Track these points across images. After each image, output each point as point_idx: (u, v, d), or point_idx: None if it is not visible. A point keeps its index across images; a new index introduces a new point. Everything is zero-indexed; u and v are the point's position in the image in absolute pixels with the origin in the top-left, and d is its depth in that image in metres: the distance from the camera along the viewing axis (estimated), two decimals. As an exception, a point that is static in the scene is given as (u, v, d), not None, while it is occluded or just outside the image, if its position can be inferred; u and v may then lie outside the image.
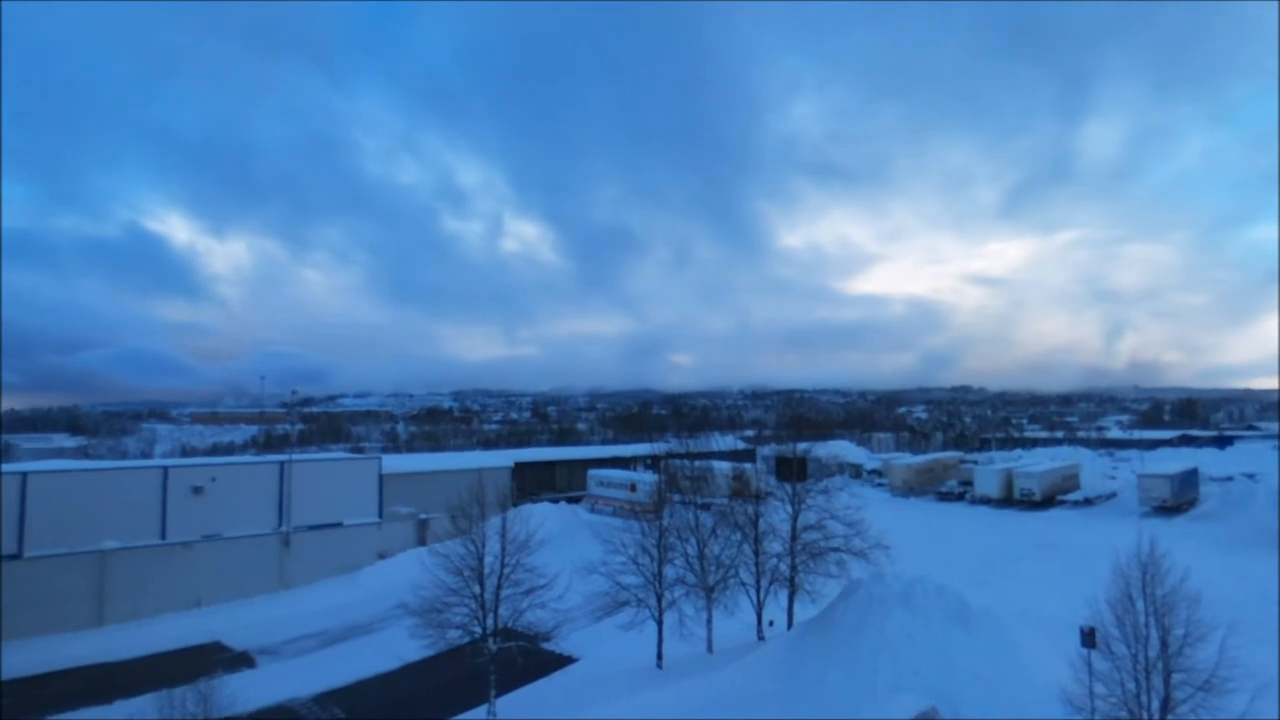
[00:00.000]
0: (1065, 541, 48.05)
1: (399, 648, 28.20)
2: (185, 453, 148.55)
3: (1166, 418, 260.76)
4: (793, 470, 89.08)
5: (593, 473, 69.85)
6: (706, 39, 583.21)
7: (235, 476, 50.36)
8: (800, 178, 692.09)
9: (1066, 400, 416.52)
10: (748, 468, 72.13)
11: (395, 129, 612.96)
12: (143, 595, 41.58)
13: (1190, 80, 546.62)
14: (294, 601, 45.10)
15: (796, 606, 29.58)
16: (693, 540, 28.35)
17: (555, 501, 65.52)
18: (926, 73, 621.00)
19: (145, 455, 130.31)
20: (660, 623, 26.13)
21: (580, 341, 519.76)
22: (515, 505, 64.23)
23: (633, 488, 64.05)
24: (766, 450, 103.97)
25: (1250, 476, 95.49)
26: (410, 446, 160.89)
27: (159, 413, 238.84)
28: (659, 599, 26.18)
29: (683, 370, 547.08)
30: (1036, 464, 69.34)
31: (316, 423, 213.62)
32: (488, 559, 22.84)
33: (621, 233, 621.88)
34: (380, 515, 55.65)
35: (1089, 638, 19.89)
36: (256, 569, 47.28)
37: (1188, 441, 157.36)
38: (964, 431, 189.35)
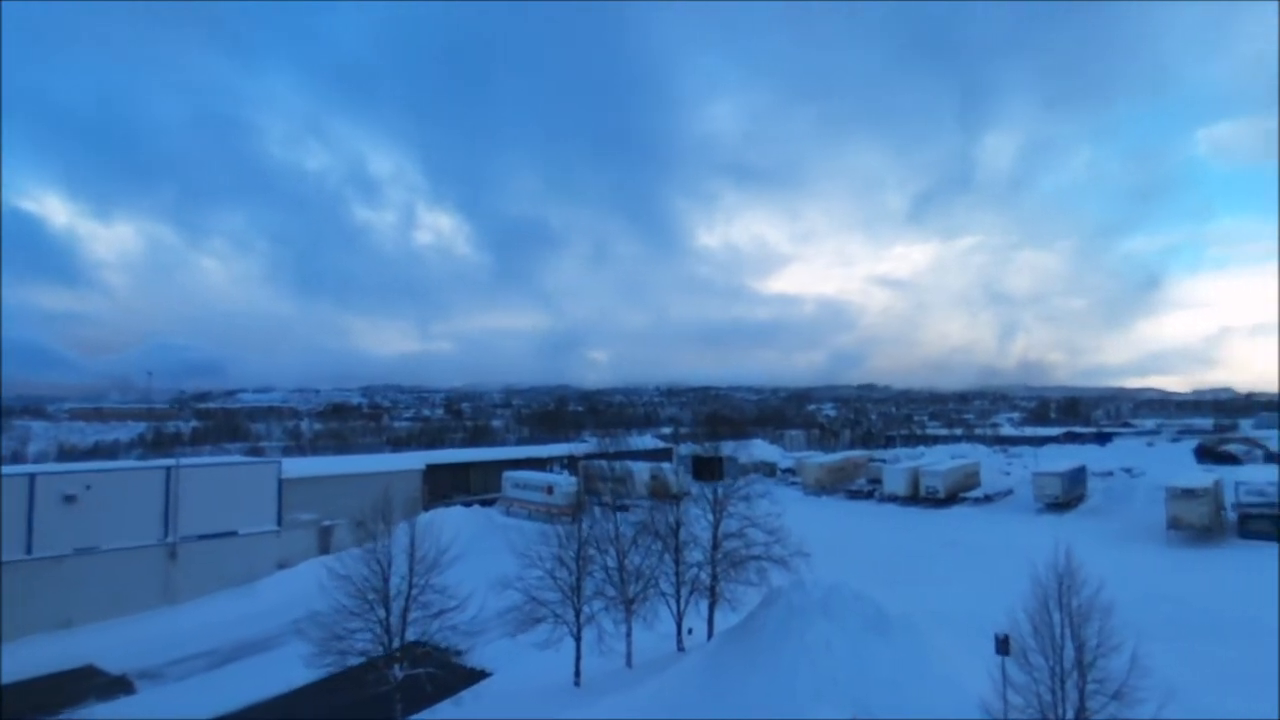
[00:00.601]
0: (969, 539, 49.86)
1: (295, 668, 26.12)
2: (63, 452, 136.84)
3: (1053, 415, 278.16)
4: (710, 470, 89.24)
5: (508, 474, 68.09)
6: (627, 35, 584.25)
7: (114, 483, 46.16)
8: (718, 178, 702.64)
9: (963, 398, 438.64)
10: (665, 468, 72.03)
11: (302, 111, 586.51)
12: (3, 616, 37.45)
13: (1076, 98, 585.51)
14: (181, 618, 41.73)
15: (717, 615, 29.21)
16: (612, 551, 27.49)
17: (469, 505, 63.45)
18: (840, 79, 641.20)
19: (18, 456, 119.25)
20: (579, 639, 25.15)
21: (496, 336, 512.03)
22: (427, 509, 62.05)
23: (549, 490, 62.75)
24: (684, 449, 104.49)
25: (1128, 471, 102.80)
26: (315, 446, 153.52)
27: (34, 409, 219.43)
28: (577, 614, 25.18)
29: (599, 367, 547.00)
30: (941, 463, 72.13)
31: (212, 419, 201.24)
32: (394, 579, 21.27)
33: (539, 227, 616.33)
34: (279, 523, 52.38)
35: (1003, 645, 20.18)
36: (137, 584, 43.50)
37: (1072, 438, 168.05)
38: (870, 429, 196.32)
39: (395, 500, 26.04)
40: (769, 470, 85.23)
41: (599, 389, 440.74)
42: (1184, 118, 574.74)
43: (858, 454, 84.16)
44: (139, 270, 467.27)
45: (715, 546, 29.15)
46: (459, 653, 25.61)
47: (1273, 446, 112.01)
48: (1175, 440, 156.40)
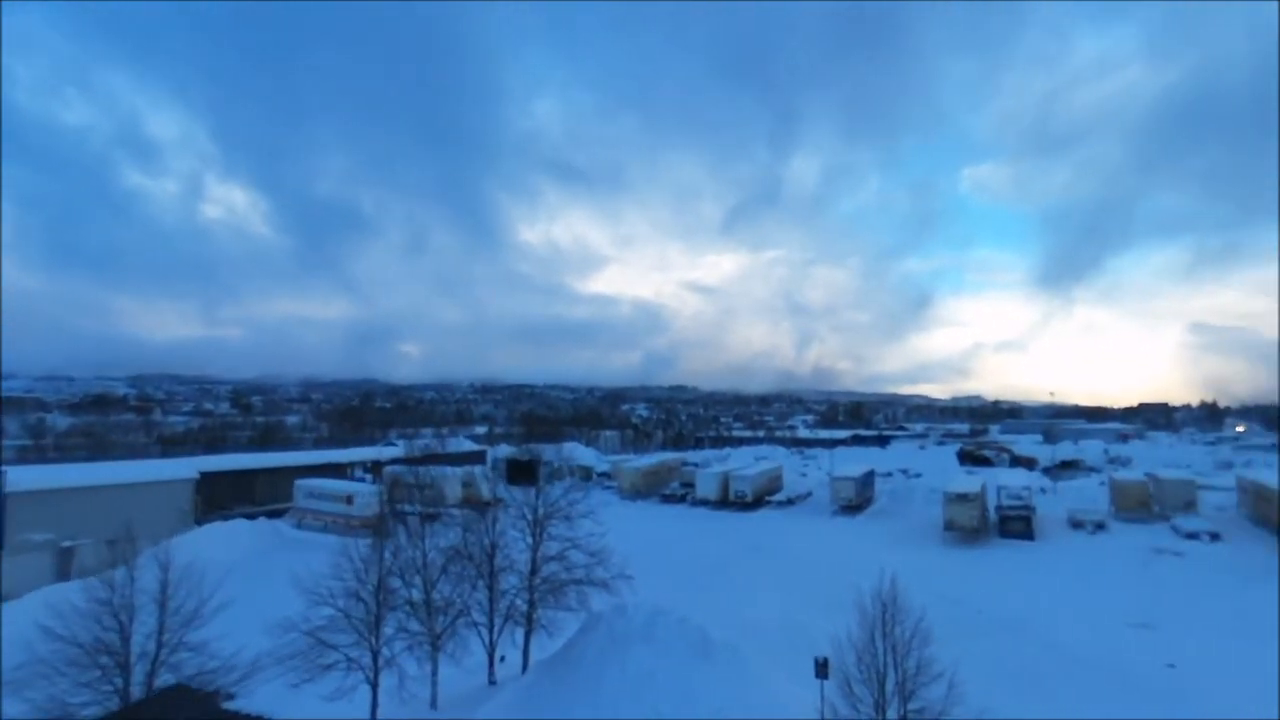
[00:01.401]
0: (777, 543, 51.81)
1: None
2: None
3: (841, 418, 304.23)
4: (526, 474, 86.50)
5: (301, 483, 61.49)
6: (453, 22, 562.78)
7: None
8: (541, 174, 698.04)
9: (764, 401, 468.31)
10: (478, 473, 68.73)
11: (62, 55, 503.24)
12: None
13: (871, 130, 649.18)
14: None
15: (533, 642, 27.26)
16: (419, 582, 24.59)
17: (253, 517, 56.23)
18: (663, 90, 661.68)
19: None
20: (375, 685, 22.05)
21: (296, 325, 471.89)
22: (202, 523, 54.20)
23: (349, 500, 57.29)
24: (499, 452, 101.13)
25: (905, 472, 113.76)
26: (64, 446, 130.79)
27: None
28: (375, 657, 22.07)
29: (411, 361, 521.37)
30: (749, 468, 75.19)
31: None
32: (136, 638, 17.08)
33: (349, 211, 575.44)
34: (0, 544, 43.17)
35: (822, 669, 20.18)
36: None
37: (858, 441, 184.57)
38: (681, 430, 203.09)
39: (157, 517, 21.37)
40: (586, 474, 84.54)
41: (409, 384, 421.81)
42: (954, 157, 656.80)
43: (671, 458, 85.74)
44: None
45: (534, 571, 27.19)
46: (230, 696, 21.60)
47: (1017, 450, 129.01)
48: (941, 444, 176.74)
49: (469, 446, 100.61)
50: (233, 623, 20.89)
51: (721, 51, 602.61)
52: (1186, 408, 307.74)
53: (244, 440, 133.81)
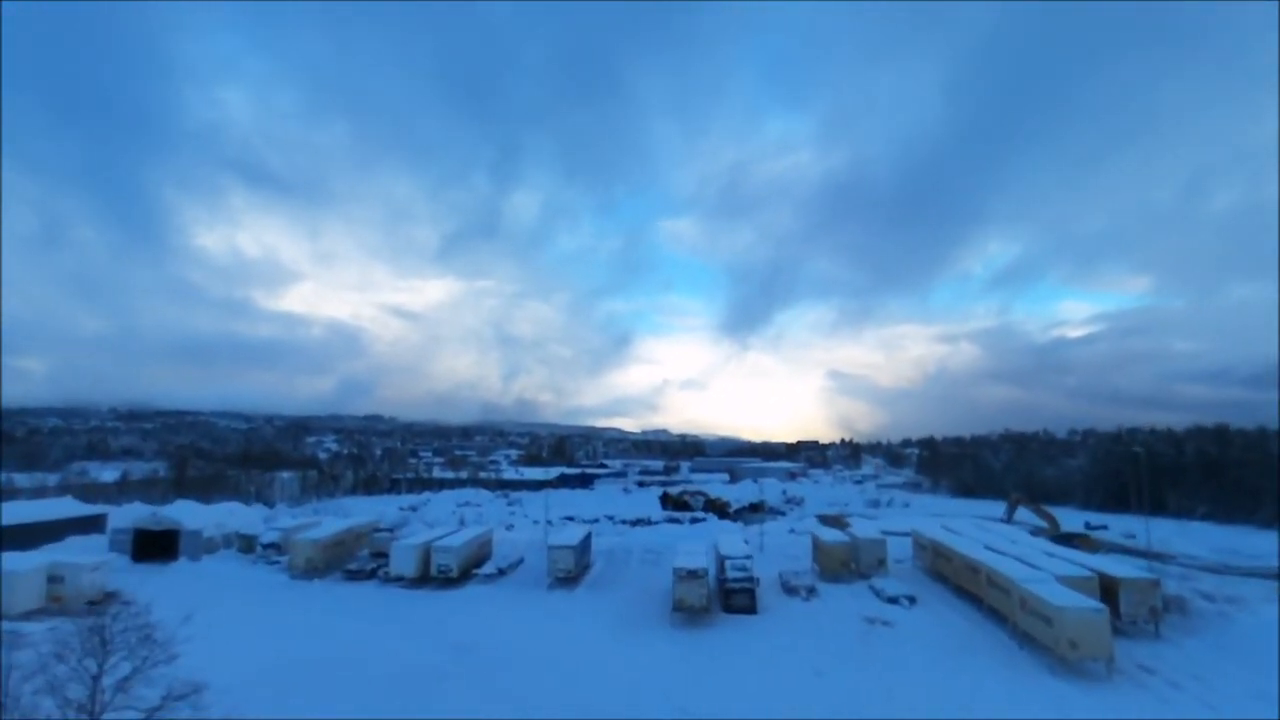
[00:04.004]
0: (480, 638, 42.95)
1: None
2: None
3: (544, 454, 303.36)
4: (161, 548, 67.25)
5: None
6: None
7: None
8: (226, 173, 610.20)
9: (466, 433, 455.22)
10: (76, 567, 49.20)
11: None
12: None
13: (589, 174, 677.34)
14: None
15: None
16: None
17: None
18: (379, 102, 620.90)
19: None
20: None
21: None
22: None
23: None
24: (132, 513, 76.81)
25: (610, 519, 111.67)
26: None
27: None
28: None
29: (29, 378, 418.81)
30: (454, 535, 64.73)
31: None
32: None
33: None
34: None
35: None
36: None
37: (564, 481, 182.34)
38: (375, 472, 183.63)
39: None
40: (246, 545, 67.42)
41: (24, 407, 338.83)
42: (659, 209, 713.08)
43: (360, 524, 72.13)
44: None
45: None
46: None
47: (711, 493, 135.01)
48: (641, 484, 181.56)
49: (74, 510, 75.49)
50: None
51: (447, 73, 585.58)
52: (834, 445, 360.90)
53: None
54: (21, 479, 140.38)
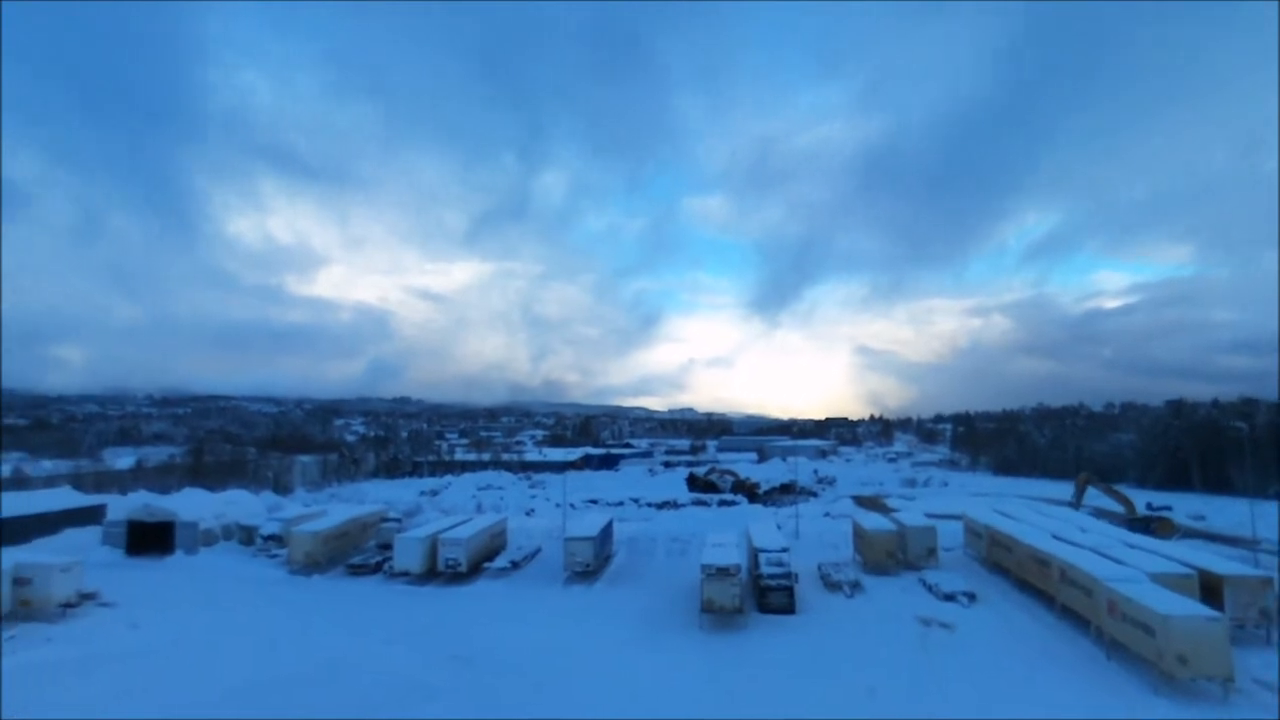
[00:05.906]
0: (487, 647, 38.13)
1: None
2: None
3: (569, 435, 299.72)
4: (157, 541, 63.17)
5: None
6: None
7: None
8: (255, 159, 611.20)
9: (493, 415, 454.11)
10: (52, 567, 45.01)
11: None
12: None
13: (617, 150, 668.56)
14: None
15: None
16: None
17: None
18: (407, 83, 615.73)
19: None
20: None
21: None
22: None
23: None
24: (135, 501, 73.55)
25: (635, 501, 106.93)
26: None
27: None
28: None
29: (68, 367, 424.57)
30: (464, 526, 59.92)
31: None
32: None
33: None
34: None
35: None
36: None
37: (588, 461, 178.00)
38: (398, 454, 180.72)
39: None
40: (246, 537, 63.43)
41: (63, 395, 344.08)
42: (688, 185, 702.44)
43: (367, 513, 67.80)
44: None
45: None
46: None
47: (741, 473, 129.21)
48: (667, 465, 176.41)
49: (73, 502, 72.09)
50: None
51: (472, 51, 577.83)
52: (863, 421, 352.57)
53: None
54: (47, 466, 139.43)
